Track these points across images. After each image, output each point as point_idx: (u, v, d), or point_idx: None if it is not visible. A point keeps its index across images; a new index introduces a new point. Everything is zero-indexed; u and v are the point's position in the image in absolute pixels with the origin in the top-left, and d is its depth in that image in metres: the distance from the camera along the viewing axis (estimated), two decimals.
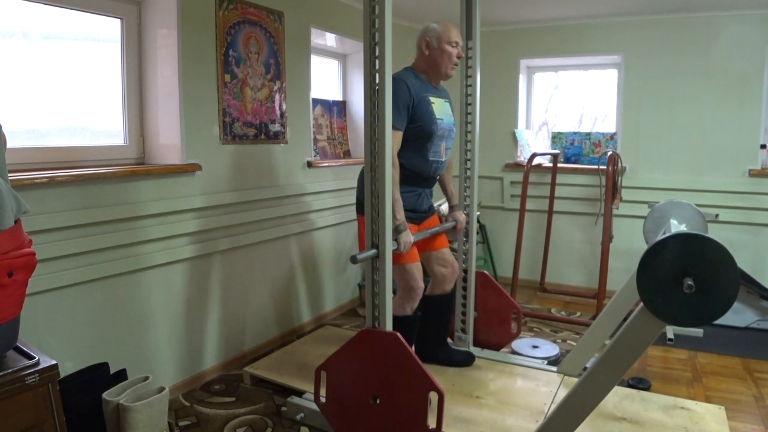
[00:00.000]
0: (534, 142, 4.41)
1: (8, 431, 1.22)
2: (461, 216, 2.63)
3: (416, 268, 2.29)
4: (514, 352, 2.88)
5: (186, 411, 2.36)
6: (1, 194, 1.23)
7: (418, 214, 2.38)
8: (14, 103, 2.09)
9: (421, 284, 2.33)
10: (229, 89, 2.68)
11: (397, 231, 2.03)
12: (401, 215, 2.09)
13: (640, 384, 2.54)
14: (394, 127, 2.08)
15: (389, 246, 1.88)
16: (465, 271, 2.74)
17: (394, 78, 2.17)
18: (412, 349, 2.52)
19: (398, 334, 1.84)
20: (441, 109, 2.34)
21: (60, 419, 1.32)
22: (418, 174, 2.31)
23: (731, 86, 3.56)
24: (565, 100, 4.44)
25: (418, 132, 2.25)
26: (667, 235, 1.46)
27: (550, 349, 2.92)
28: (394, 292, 2.05)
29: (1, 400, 1.20)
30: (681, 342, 3.06)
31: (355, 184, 2.44)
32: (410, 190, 2.32)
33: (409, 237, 2.08)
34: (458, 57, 2.35)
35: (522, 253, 3.84)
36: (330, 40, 3.59)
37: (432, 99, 2.31)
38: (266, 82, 2.91)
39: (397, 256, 2.11)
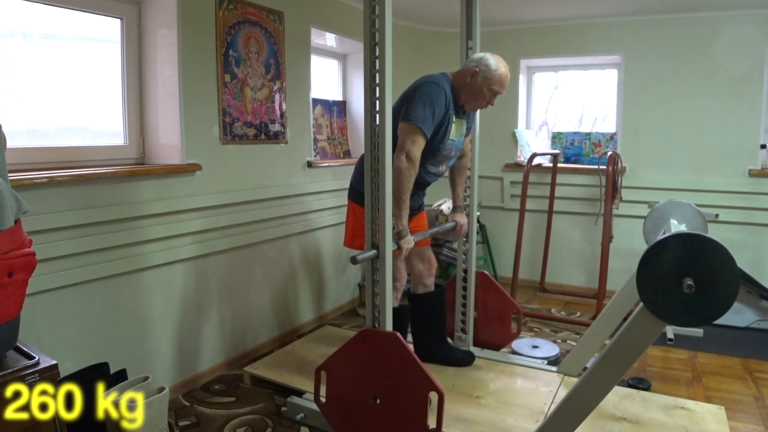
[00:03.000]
0: (534, 142, 4.40)
1: (8, 431, 1.22)
2: (462, 219, 2.62)
3: (401, 262, 2.41)
4: (514, 352, 2.88)
5: (186, 411, 2.36)
6: (1, 194, 1.23)
7: (410, 211, 2.38)
8: (14, 103, 2.09)
9: (404, 276, 2.48)
10: (229, 89, 2.68)
11: (399, 236, 2.04)
12: (406, 221, 2.10)
13: (640, 384, 2.54)
14: (420, 130, 2.08)
15: (389, 246, 1.88)
16: (465, 271, 2.75)
17: (435, 83, 2.16)
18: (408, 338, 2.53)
19: (398, 334, 1.84)
20: (456, 130, 2.30)
21: (60, 419, 1.32)
22: (416, 180, 2.31)
23: (731, 86, 3.56)
24: (565, 100, 4.44)
25: (426, 146, 2.19)
26: (667, 235, 1.46)
27: (550, 349, 2.92)
28: None
29: (2, 399, 1.20)
30: (681, 342, 3.06)
31: None
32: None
33: (410, 243, 2.09)
34: (488, 104, 2.26)
35: (522, 253, 3.84)
36: (330, 40, 3.59)
37: (455, 119, 2.26)
38: (266, 82, 2.91)
39: None
